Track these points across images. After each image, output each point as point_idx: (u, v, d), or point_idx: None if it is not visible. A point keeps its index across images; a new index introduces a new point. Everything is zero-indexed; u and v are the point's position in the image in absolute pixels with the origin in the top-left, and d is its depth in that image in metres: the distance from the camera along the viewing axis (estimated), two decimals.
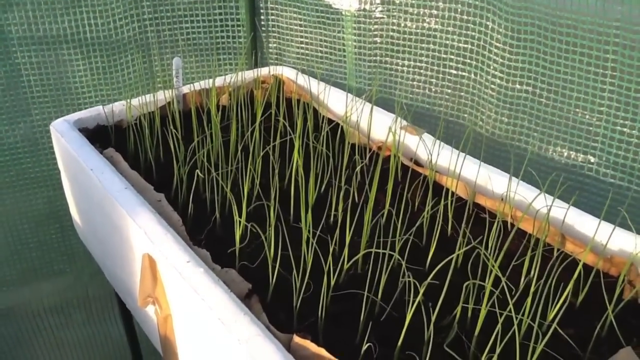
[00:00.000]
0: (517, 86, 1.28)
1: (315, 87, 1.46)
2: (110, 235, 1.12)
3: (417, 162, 1.23)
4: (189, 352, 0.95)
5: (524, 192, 1.03)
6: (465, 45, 1.36)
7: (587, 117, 1.18)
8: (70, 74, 1.69)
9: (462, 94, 1.41)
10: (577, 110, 1.20)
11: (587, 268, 0.93)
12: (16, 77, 1.65)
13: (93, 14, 1.62)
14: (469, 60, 1.36)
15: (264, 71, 1.54)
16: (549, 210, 0.93)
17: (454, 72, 1.40)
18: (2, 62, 1.61)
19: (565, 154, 1.25)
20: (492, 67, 1.31)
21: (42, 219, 1.87)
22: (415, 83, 1.49)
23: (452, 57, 1.39)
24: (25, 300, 1.99)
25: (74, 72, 1.69)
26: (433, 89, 1.45)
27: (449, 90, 1.43)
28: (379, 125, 1.29)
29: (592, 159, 1.21)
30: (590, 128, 1.18)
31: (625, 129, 1.13)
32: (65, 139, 1.23)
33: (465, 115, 1.43)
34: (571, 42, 1.14)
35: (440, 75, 1.44)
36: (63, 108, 1.72)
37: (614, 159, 1.16)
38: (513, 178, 1.04)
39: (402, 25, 1.46)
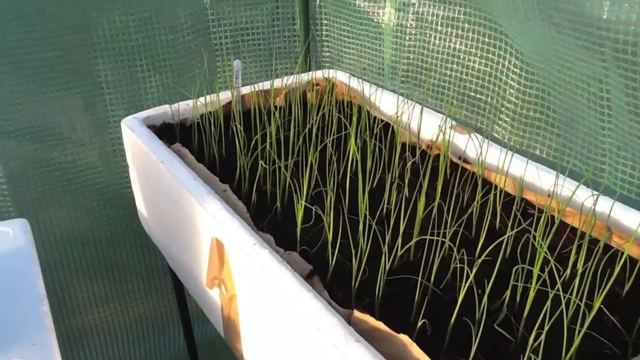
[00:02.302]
0: (531, 113, 1.30)
1: (367, 89, 1.53)
2: (178, 222, 1.21)
3: (466, 161, 1.28)
4: (252, 330, 1.02)
5: (570, 189, 1.08)
6: (485, 69, 1.39)
7: (593, 152, 1.18)
8: (143, 90, 1.73)
9: (479, 117, 1.44)
10: (584, 144, 1.20)
11: (634, 261, 0.96)
12: (94, 95, 1.69)
13: (164, 30, 1.68)
14: (487, 84, 1.39)
15: (317, 74, 1.62)
16: (595, 202, 0.97)
17: (472, 94, 1.44)
18: (83, 81, 1.65)
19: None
20: (507, 93, 1.33)
21: (114, 239, 1.91)
22: (436, 102, 1.53)
23: (472, 79, 1.42)
24: (97, 321, 2.04)
25: (145, 88, 1.73)
26: (453, 110, 1.49)
27: (467, 113, 1.46)
28: (427, 126, 1.35)
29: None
30: (596, 164, 1.19)
31: (627, 169, 1.13)
32: (135, 134, 1.33)
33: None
34: (572, 76, 1.14)
35: (460, 97, 1.47)
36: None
37: (618, 198, 1.16)
38: (561, 175, 1.08)
39: (431, 43, 1.50)
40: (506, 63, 1.33)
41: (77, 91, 1.65)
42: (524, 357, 0.76)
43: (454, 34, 1.44)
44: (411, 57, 1.57)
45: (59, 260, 1.84)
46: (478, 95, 1.42)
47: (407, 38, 1.56)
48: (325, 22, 1.81)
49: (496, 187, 1.15)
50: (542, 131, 1.28)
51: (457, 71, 1.46)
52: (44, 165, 1.70)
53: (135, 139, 1.32)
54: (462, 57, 1.44)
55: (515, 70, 1.31)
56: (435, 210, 1.10)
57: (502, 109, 1.35)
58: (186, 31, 1.72)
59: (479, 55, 1.39)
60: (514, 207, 1.10)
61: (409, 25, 1.55)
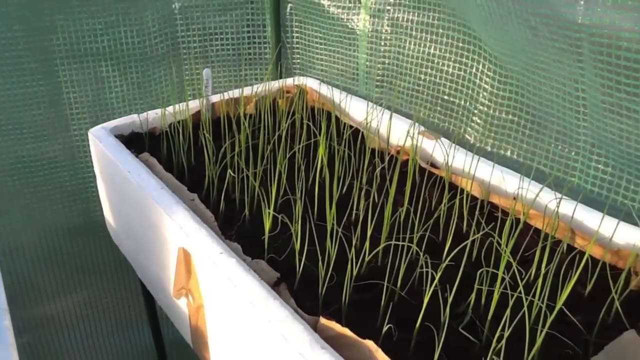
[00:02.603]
0: (503, 115, 1.32)
1: (337, 96, 1.54)
2: (146, 232, 1.20)
3: (434, 165, 1.30)
4: (219, 339, 1.02)
5: (535, 192, 1.09)
6: (459, 72, 1.41)
7: (566, 150, 1.21)
8: (107, 90, 1.77)
9: (452, 119, 1.45)
10: (557, 143, 1.22)
11: (596, 261, 0.98)
12: (58, 94, 1.73)
13: (130, 33, 1.71)
14: (460, 87, 1.41)
15: (288, 81, 1.63)
16: (558, 205, 0.98)
17: (446, 97, 1.46)
18: (47, 80, 1.69)
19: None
20: (480, 95, 1.36)
21: (77, 231, 1.94)
22: (411, 105, 1.55)
23: (446, 82, 1.44)
24: (59, 310, 2.06)
25: (110, 87, 1.77)
26: (427, 112, 1.51)
27: (441, 116, 1.48)
28: (397, 132, 1.36)
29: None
30: (569, 162, 1.21)
31: (600, 166, 1.15)
32: (103, 144, 1.31)
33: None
34: (547, 77, 1.17)
35: (434, 100, 1.49)
36: (99, 123, 1.79)
37: (589, 195, 1.18)
38: (525, 178, 1.10)
39: (406, 48, 1.52)
40: (479, 67, 1.35)
41: (41, 89, 1.69)
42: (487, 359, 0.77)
43: (429, 39, 1.46)
44: (386, 62, 1.58)
45: (21, 248, 1.87)
46: (451, 99, 1.44)
47: (382, 43, 1.58)
48: (297, 28, 1.82)
49: (463, 191, 1.16)
50: (514, 132, 1.30)
51: (432, 75, 1.48)
52: (5, 157, 1.74)
53: (103, 149, 1.31)
54: (436, 61, 1.46)
55: (488, 73, 1.33)
56: (403, 215, 1.11)
57: (475, 111, 1.37)
58: (153, 35, 1.73)
59: (452, 59, 1.42)
60: (477, 211, 1.11)
61: (384, 30, 1.56)
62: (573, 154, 1.19)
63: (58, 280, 1.98)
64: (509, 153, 1.32)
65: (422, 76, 1.50)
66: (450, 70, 1.42)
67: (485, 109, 1.34)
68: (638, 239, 0.97)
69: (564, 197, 1.02)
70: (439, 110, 1.48)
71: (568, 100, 1.14)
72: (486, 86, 1.33)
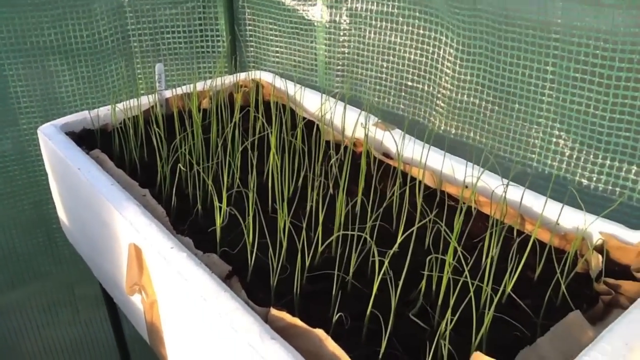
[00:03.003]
0: (465, 98, 1.35)
1: (292, 89, 1.54)
2: (98, 230, 1.18)
3: (388, 156, 1.30)
4: (174, 334, 1.01)
5: (486, 180, 1.11)
6: (421, 59, 1.44)
7: (527, 128, 1.24)
8: (57, 84, 1.75)
9: (417, 104, 1.48)
10: (518, 122, 1.26)
11: (545, 246, 1.00)
12: (4, 88, 1.70)
13: (79, 27, 1.68)
14: (423, 73, 1.44)
15: (243, 76, 1.62)
16: (505, 191, 1.00)
17: (409, 83, 1.48)
18: None
19: (505, 165, 1.31)
20: (443, 80, 1.39)
21: (30, 224, 1.92)
22: (376, 93, 1.57)
23: (409, 69, 1.46)
24: (13, 302, 2.04)
25: (60, 82, 1.74)
26: (392, 99, 1.53)
27: (406, 101, 1.50)
28: (352, 123, 1.37)
29: (529, 170, 1.27)
30: (529, 140, 1.24)
31: (560, 140, 1.19)
32: (52, 142, 1.29)
33: (423, 124, 1.51)
34: (515, 55, 1.20)
35: (398, 86, 1.51)
36: (50, 117, 1.76)
37: (548, 170, 1.22)
38: (475, 166, 1.11)
39: (366, 37, 1.54)
40: (441, 52, 1.37)
41: None
42: (438, 344, 0.78)
43: (389, 27, 1.48)
44: (346, 52, 1.59)
45: None
46: (415, 85, 1.46)
47: (342, 34, 1.58)
48: (250, 21, 1.81)
49: (415, 179, 1.17)
50: (476, 114, 1.33)
51: (394, 63, 1.50)
52: None
53: (53, 147, 1.28)
54: (397, 49, 1.48)
55: (449, 58, 1.35)
56: (358, 206, 1.11)
57: (439, 95, 1.40)
58: (102, 28, 1.71)
59: (414, 46, 1.44)
60: (423, 199, 1.13)
61: (342, 21, 1.57)
62: (533, 131, 1.22)
63: (12, 273, 1.96)
64: (472, 134, 1.35)
65: (385, 64, 1.51)
66: (413, 56, 1.44)
67: (448, 92, 1.37)
68: (583, 222, 0.99)
69: (511, 183, 1.04)
70: (403, 96, 1.49)
71: (535, 76, 1.17)
72: (448, 70, 1.36)
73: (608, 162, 1.13)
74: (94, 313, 2.14)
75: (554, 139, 1.18)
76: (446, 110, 1.39)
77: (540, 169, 1.20)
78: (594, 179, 1.15)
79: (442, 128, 1.41)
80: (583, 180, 1.17)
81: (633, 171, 1.10)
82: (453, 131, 1.39)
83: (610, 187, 1.14)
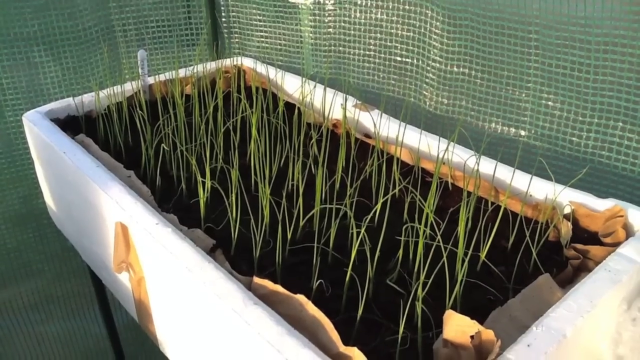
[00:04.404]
0: (455, 69, 1.40)
1: (273, 74, 1.56)
2: (85, 212, 1.20)
3: (368, 136, 1.34)
4: (162, 309, 1.03)
5: (462, 155, 1.15)
6: (408, 34, 1.48)
7: (517, 93, 1.30)
8: (42, 75, 1.75)
9: (407, 78, 1.52)
10: (508, 87, 1.31)
11: (518, 216, 1.04)
12: None
13: (62, 17, 1.69)
14: (411, 47, 1.48)
15: (226, 62, 1.64)
16: (478, 163, 1.04)
17: (398, 58, 1.51)
18: None
19: (500, 129, 1.36)
20: (432, 53, 1.43)
21: (19, 219, 1.92)
22: (365, 70, 1.60)
23: (397, 44, 1.50)
24: (5, 299, 2.04)
25: (45, 73, 1.75)
26: (381, 75, 1.56)
27: (395, 76, 1.54)
28: (333, 105, 1.40)
29: (523, 132, 1.32)
30: (520, 104, 1.30)
31: (549, 102, 1.25)
32: (37, 128, 1.31)
33: (411, 99, 1.55)
34: (499, 24, 1.25)
35: (387, 62, 1.55)
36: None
37: (541, 131, 1.27)
38: (451, 143, 1.15)
39: (352, 16, 1.57)
40: (428, 26, 1.41)
41: None
42: (414, 309, 0.82)
43: (374, 5, 1.51)
44: (332, 32, 1.62)
45: None
46: (404, 59, 1.50)
47: (327, 14, 1.62)
48: (233, 7, 1.83)
49: (393, 157, 1.21)
50: (467, 83, 1.38)
51: (382, 40, 1.53)
52: None
53: (38, 132, 1.30)
54: (384, 25, 1.51)
55: (436, 31, 1.39)
56: (337, 183, 1.14)
57: (428, 68, 1.43)
58: (86, 18, 1.72)
59: (400, 22, 1.47)
60: (402, 175, 1.16)
61: (327, 2, 1.60)
62: (524, 95, 1.27)
63: (3, 270, 1.96)
64: (463, 103, 1.39)
65: (372, 41, 1.55)
66: (400, 32, 1.48)
67: (437, 64, 1.41)
68: (553, 191, 1.03)
69: (483, 156, 1.08)
70: (392, 72, 1.53)
71: (520, 44, 1.22)
72: (436, 43, 1.40)
73: (596, 120, 1.19)
74: (85, 306, 2.15)
75: (544, 102, 1.24)
76: (437, 82, 1.43)
77: (533, 131, 1.26)
78: (584, 136, 1.21)
79: (433, 99, 1.45)
80: (574, 138, 1.22)
81: (619, 127, 1.16)
82: (445, 102, 1.43)
83: (599, 144, 1.21)
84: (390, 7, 1.48)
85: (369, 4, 1.52)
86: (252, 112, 1.23)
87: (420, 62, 1.46)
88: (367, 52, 1.58)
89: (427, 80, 1.46)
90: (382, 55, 1.55)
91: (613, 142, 1.18)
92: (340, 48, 1.63)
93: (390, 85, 1.56)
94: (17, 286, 2.04)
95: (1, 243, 1.93)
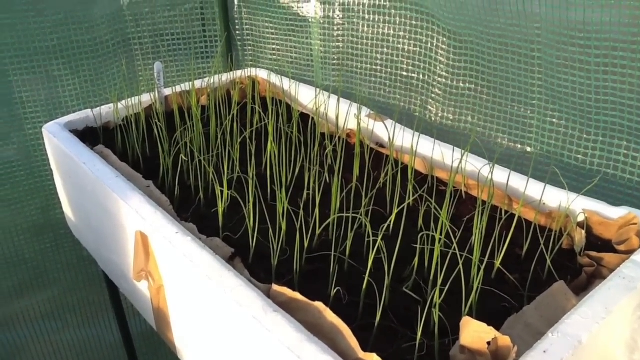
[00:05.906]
0: (461, 84, 1.41)
1: (287, 85, 1.59)
2: (104, 221, 1.22)
3: (383, 145, 1.35)
4: (181, 317, 1.05)
5: (474, 164, 1.16)
6: (415, 49, 1.49)
7: (522, 110, 1.31)
8: (61, 88, 1.78)
9: (413, 93, 1.53)
10: (514, 104, 1.32)
11: (532, 225, 1.05)
12: (9, 94, 1.73)
13: (80, 31, 1.72)
14: (417, 62, 1.49)
15: (239, 73, 1.67)
16: (492, 172, 1.05)
17: (404, 73, 1.53)
18: (0, 79, 1.70)
19: (505, 145, 1.37)
20: (438, 68, 1.44)
21: (37, 230, 1.95)
22: (371, 85, 1.62)
23: (403, 59, 1.52)
24: (22, 308, 2.06)
25: (63, 86, 1.78)
26: (387, 90, 1.58)
27: (402, 91, 1.55)
28: (347, 116, 1.42)
29: (529, 149, 1.33)
30: (526, 120, 1.31)
31: (554, 120, 1.26)
32: (57, 139, 1.33)
33: (416, 114, 1.56)
34: (503, 42, 1.26)
35: (393, 77, 1.56)
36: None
37: (547, 148, 1.28)
38: (463, 152, 1.17)
39: (360, 30, 1.59)
40: (434, 42, 1.43)
41: None
42: (430, 315, 0.83)
43: (382, 20, 1.53)
44: (341, 46, 1.64)
45: None
46: (410, 74, 1.52)
47: (336, 28, 1.64)
48: (247, 20, 1.86)
49: (407, 167, 1.23)
50: (472, 99, 1.39)
51: (388, 54, 1.55)
52: None
53: (58, 143, 1.32)
54: (391, 40, 1.54)
55: (443, 47, 1.41)
56: (353, 192, 1.16)
57: (434, 83, 1.45)
58: (103, 32, 1.75)
59: (407, 37, 1.49)
60: (412, 183, 1.18)
61: (336, 16, 1.62)
62: (529, 112, 1.28)
63: (21, 280, 1.98)
64: (469, 118, 1.40)
65: (379, 56, 1.57)
66: (406, 47, 1.50)
67: (444, 80, 1.42)
68: (566, 200, 1.04)
69: (496, 165, 1.09)
70: (399, 86, 1.55)
71: (524, 62, 1.24)
72: (442, 59, 1.42)
73: (600, 138, 1.20)
74: (100, 314, 2.17)
75: (549, 119, 1.25)
76: (442, 97, 1.44)
77: (539, 147, 1.27)
78: (589, 154, 1.22)
79: (439, 115, 1.46)
80: (579, 156, 1.23)
81: (623, 146, 1.17)
82: (451, 117, 1.45)
83: (604, 162, 1.22)
84: (397, 22, 1.50)
85: (376, 19, 1.54)
86: (267, 123, 1.25)
87: (426, 77, 1.48)
88: (374, 67, 1.60)
89: (432, 95, 1.47)
90: (389, 70, 1.57)
91: (618, 160, 1.19)
92: (349, 62, 1.66)
93: (396, 100, 1.57)
94: (34, 295, 2.06)
95: (19, 253, 1.95)
